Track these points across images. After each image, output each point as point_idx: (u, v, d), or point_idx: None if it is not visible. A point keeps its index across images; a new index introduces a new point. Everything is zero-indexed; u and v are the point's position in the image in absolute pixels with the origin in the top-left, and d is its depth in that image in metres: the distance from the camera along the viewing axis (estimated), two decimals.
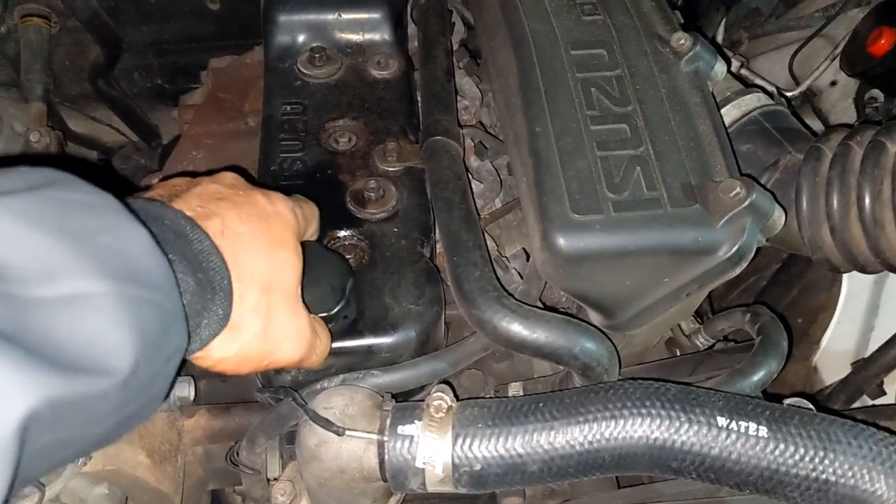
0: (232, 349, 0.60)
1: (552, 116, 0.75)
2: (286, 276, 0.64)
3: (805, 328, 1.33)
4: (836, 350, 1.27)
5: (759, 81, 1.41)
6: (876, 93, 1.31)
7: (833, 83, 1.41)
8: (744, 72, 1.41)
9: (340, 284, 0.73)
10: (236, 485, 0.93)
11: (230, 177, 0.67)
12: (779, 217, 0.70)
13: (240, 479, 0.89)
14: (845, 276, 1.28)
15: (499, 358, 0.91)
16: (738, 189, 0.67)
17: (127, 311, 0.46)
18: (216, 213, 0.60)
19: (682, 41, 0.79)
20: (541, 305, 0.85)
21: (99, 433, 0.49)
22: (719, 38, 1.38)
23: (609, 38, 0.81)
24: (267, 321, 0.62)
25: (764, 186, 0.71)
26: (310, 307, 0.67)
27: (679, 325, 0.97)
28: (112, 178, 1.44)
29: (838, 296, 1.28)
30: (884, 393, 1.13)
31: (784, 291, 1.26)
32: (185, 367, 0.89)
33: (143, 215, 0.52)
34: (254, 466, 0.81)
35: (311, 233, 0.74)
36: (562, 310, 0.87)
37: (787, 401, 0.66)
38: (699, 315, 1.01)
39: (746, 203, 0.67)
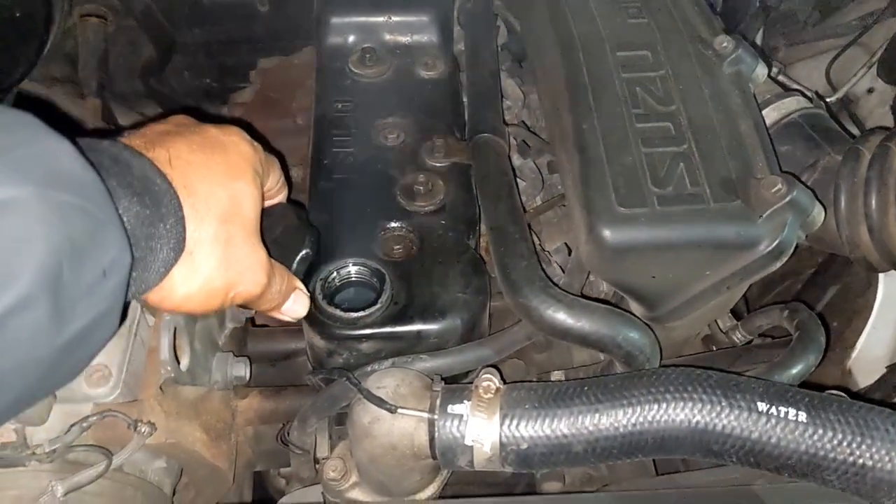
0: (196, 283, 0.58)
1: (598, 114, 0.78)
2: (245, 205, 0.61)
3: (840, 331, 1.34)
4: (871, 354, 1.27)
5: (795, 87, 1.43)
6: None
7: (870, 90, 1.42)
8: (781, 78, 1.43)
9: (297, 247, 0.74)
10: (282, 467, 0.97)
11: (180, 117, 0.65)
12: (818, 214, 0.72)
13: (285, 461, 0.93)
14: (881, 281, 1.28)
15: (539, 348, 0.94)
16: (779, 185, 0.69)
17: (45, 211, 0.43)
18: (162, 145, 0.57)
19: (725, 44, 0.82)
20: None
21: (42, 359, 0.45)
22: (759, 44, 1.39)
23: (653, 39, 0.84)
24: (227, 251, 0.59)
25: (804, 185, 0.73)
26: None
27: (716, 322, 0.99)
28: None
29: (874, 300, 1.28)
30: None
31: (819, 294, 1.27)
32: (248, 345, 0.93)
33: (79, 145, 0.49)
34: (304, 447, 0.85)
35: (273, 184, 0.72)
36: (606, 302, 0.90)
37: (826, 392, 0.68)
38: (735, 315, 1.03)
39: (787, 199, 0.69)
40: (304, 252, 0.76)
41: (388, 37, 1.09)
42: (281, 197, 0.76)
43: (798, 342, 0.80)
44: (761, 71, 0.83)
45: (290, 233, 0.75)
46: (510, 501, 0.77)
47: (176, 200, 0.55)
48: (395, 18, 1.09)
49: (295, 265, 0.75)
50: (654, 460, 0.83)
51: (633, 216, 0.71)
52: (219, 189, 0.59)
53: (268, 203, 0.73)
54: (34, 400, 0.51)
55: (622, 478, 0.82)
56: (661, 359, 0.76)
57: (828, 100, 1.40)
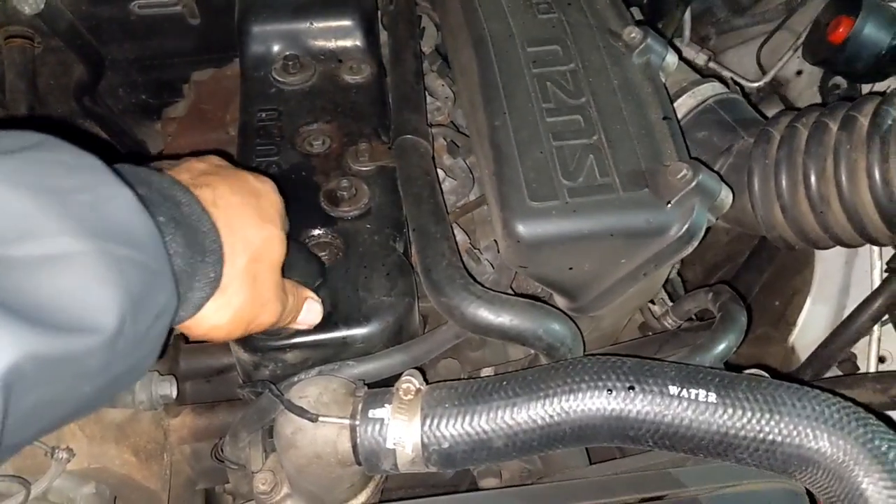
0: (225, 315, 0.61)
1: (510, 111, 0.78)
2: (273, 247, 0.65)
3: (782, 310, 1.37)
4: (812, 330, 1.30)
5: (726, 74, 1.45)
6: (839, 79, 1.35)
7: (799, 72, 1.45)
8: (712, 65, 1.46)
9: (312, 282, 0.77)
10: (226, 483, 0.96)
11: (216, 158, 0.69)
12: (726, 196, 0.73)
13: (227, 478, 0.92)
14: (817, 259, 1.32)
15: (474, 346, 0.94)
16: (684, 171, 0.70)
17: (110, 269, 0.45)
18: (208, 184, 0.61)
19: (633, 35, 0.83)
20: (511, 293, 0.89)
21: (88, 392, 0.48)
22: (686, 33, 1.42)
23: (563, 34, 0.85)
24: (254, 287, 0.63)
25: (711, 169, 0.74)
26: None
27: (650, 309, 1.00)
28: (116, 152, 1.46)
29: (811, 278, 1.32)
30: (857, 368, 1.17)
31: (757, 275, 1.30)
32: (181, 364, 0.93)
33: (131, 179, 0.51)
34: (238, 461, 0.84)
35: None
36: (537, 298, 0.90)
37: (745, 371, 0.69)
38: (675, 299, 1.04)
39: (693, 184, 0.70)
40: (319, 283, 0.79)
41: (312, 43, 1.09)
42: None
43: (720, 324, 0.81)
44: (671, 59, 0.85)
45: (304, 256, 0.79)
46: (446, 500, 0.77)
47: (218, 240, 0.58)
48: (317, 24, 1.08)
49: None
50: (586, 449, 0.83)
51: (545, 209, 0.72)
52: (253, 231, 0.63)
53: None
54: (60, 427, 0.53)
55: (557, 469, 0.83)
56: (584, 348, 0.77)
57: (758, 83, 1.43)
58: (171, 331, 0.55)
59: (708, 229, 0.75)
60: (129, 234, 0.48)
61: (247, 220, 0.63)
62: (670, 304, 0.98)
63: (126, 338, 0.47)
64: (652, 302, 1.04)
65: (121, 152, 1.40)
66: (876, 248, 1.12)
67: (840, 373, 1.14)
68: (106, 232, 0.46)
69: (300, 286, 0.74)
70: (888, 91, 0.81)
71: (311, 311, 0.75)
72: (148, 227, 0.50)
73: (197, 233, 0.56)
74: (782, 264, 1.31)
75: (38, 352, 0.40)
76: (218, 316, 0.61)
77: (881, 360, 1.17)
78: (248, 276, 0.62)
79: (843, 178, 0.76)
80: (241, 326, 0.64)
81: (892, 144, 0.74)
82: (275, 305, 0.67)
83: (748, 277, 1.29)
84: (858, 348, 1.18)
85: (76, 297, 0.43)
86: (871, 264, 1.15)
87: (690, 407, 0.62)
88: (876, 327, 1.11)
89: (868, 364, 1.15)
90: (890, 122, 0.75)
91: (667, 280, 1.12)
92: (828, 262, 1.29)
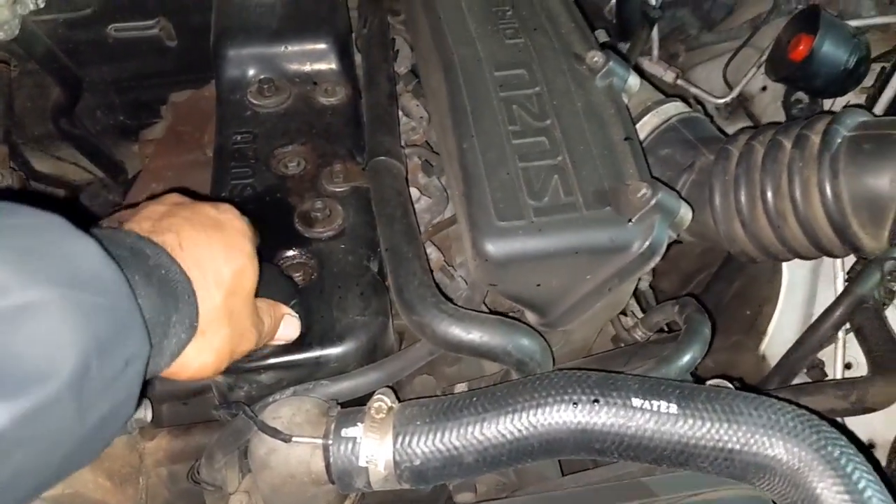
0: (209, 356, 0.63)
1: (478, 134, 0.81)
2: (246, 278, 0.66)
3: (752, 319, 1.40)
4: (782, 338, 1.33)
5: (693, 90, 1.50)
6: (801, 95, 1.39)
7: (763, 88, 1.50)
8: (680, 82, 1.50)
9: (286, 303, 0.78)
10: None
11: (174, 196, 0.70)
12: (685, 213, 0.76)
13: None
14: (784, 268, 1.35)
15: (449, 363, 0.96)
16: (644, 190, 0.73)
17: (74, 314, 0.46)
18: (170, 229, 0.62)
19: (596, 58, 0.86)
20: (485, 310, 0.91)
21: (64, 450, 0.48)
22: (655, 52, 1.46)
23: (529, 58, 0.87)
24: (231, 323, 0.64)
25: (671, 187, 0.77)
26: None
27: (620, 322, 1.02)
28: (80, 214, 1.48)
29: (779, 287, 1.35)
30: (825, 375, 1.20)
31: (727, 285, 1.33)
32: (156, 386, 0.94)
33: (97, 236, 0.53)
34: (214, 483, 0.85)
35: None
36: (511, 315, 0.93)
37: (709, 382, 0.72)
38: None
39: (653, 202, 0.73)
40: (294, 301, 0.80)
41: (287, 66, 1.11)
42: None
43: (684, 335, 0.84)
44: (633, 81, 0.87)
45: (276, 277, 0.81)
46: None
47: (189, 286, 0.59)
48: (292, 48, 1.10)
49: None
50: (559, 461, 0.85)
51: (512, 229, 0.74)
52: (223, 266, 0.64)
53: None
54: (54, 484, 0.53)
55: (530, 481, 0.84)
56: (553, 363, 0.79)
57: (724, 99, 1.47)
58: (147, 381, 0.56)
59: (671, 245, 0.77)
60: (95, 282, 0.49)
61: (215, 255, 0.64)
62: (636, 315, 1.01)
63: (93, 381, 0.47)
64: (624, 314, 1.06)
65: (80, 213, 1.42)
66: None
67: (809, 380, 1.17)
68: (72, 281, 0.47)
69: (275, 304, 0.75)
70: (841, 109, 0.85)
71: (288, 325, 0.76)
72: (114, 274, 0.51)
73: (168, 282, 0.57)
74: (752, 274, 1.34)
75: (13, 414, 0.41)
76: (202, 358, 0.62)
77: (847, 366, 1.20)
78: (225, 312, 0.63)
79: (797, 194, 0.79)
80: (225, 361, 0.65)
81: (841, 161, 0.77)
82: (254, 334, 0.69)
83: (718, 287, 1.32)
84: (826, 355, 1.21)
85: (40, 345, 0.44)
86: (834, 273, 1.18)
87: (653, 418, 0.64)
88: (841, 334, 1.14)
89: (835, 371, 1.18)
90: (839, 140, 0.78)
91: (640, 292, 1.15)
92: (794, 271, 1.32)
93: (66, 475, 0.53)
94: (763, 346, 1.38)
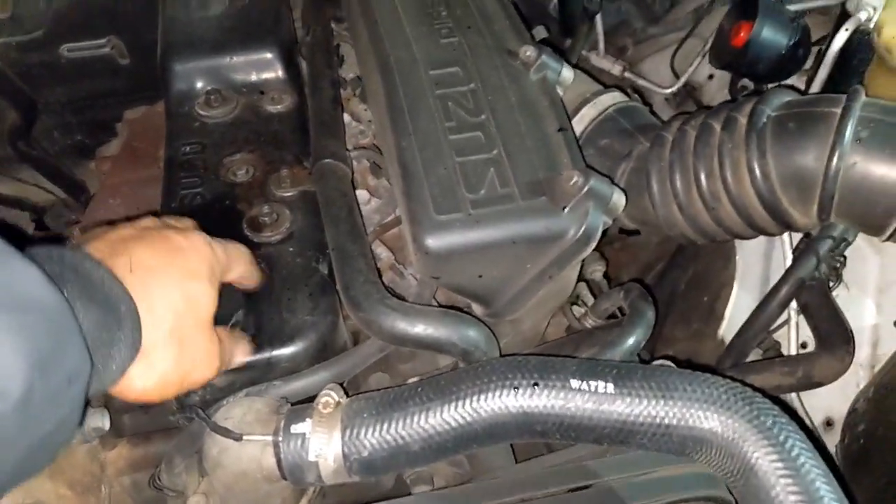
0: (151, 379, 0.64)
1: (415, 132, 0.82)
2: (200, 303, 0.68)
3: (710, 304, 1.43)
4: (739, 322, 1.35)
5: (641, 82, 1.53)
6: (746, 82, 1.42)
7: (710, 77, 1.53)
8: (628, 74, 1.53)
9: (234, 310, 0.81)
10: None
11: (147, 220, 0.73)
12: (618, 199, 0.78)
13: None
14: (738, 253, 1.38)
15: (403, 359, 0.97)
16: (576, 178, 0.75)
17: (14, 334, 0.48)
18: (124, 252, 0.63)
19: (529, 53, 0.88)
20: (435, 304, 0.92)
21: (8, 463, 0.50)
22: (601, 46, 1.49)
23: (463, 56, 0.89)
24: (181, 349, 0.66)
25: (602, 174, 0.79)
26: None
27: (572, 311, 1.04)
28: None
29: (734, 271, 1.38)
30: (781, 355, 1.22)
31: (682, 273, 1.35)
32: (108, 401, 0.94)
33: (41, 257, 0.55)
34: (175, 488, 0.85)
35: (240, 273, 0.79)
36: (464, 309, 0.94)
37: (654, 363, 0.74)
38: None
39: (585, 189, 0.75)
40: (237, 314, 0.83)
41: (234, 76, 1.12)
42: (253, 282, 0.83)
43: (628, 319, 0.86)
44: (567, 74, 0.90)
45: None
46: None
47: (132, 306, 0.60)
48: (237, 58, 1.12)
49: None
50: (512, 446, 0.87)
51: (450, 222, 0.76)
52: (175, 291, 0.65)
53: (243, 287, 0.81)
54: (7, 489, 0.54)
55: (484, 470, 0.86)
56: (500, 351, 0.81)
57: (671, 89, 1.50)
58: (88, 402, 0.57)
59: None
60: (35, 303, 0.51)
61: (168, 281, 0.65)
62: (585, 304, 1.03)
63: (37, 398, 0.49)
64: (577, 304, 1.08)
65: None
66: (787, 238, 1.18)
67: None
68: (12, 304, 0.49)
69: (231, 331, 0.78)
70: (767, 90, 0.87)
71: (241, 352, 0.79)
72: (53, 295, 0.52)
73: (109, 302, 0.58)
74: (706, 260, 1.37)
75: None
76: (144, 380, 0.64)
77: (803, 346, 1.23)
78: (173, 338, 0.65)
79: (728, 176, 0.82)
80: (171, 388, 0.67)
81: (767, 141, 0.80)
82: (209, 364, 0.71)
83: (674, 275, 1.35)
84: (783, 337, 1.24)
85: None
86: (784, 254, 1.21)
87: (591, 399, 0.66)
88: (794, 315, 1.17)
89: (789, 351, 1.21)
90: (765, 119, 0.81)
91: (594, 283, 1.16)
92: (748, 254, 1.35)
93: (18, 482, 0.55)
94: (721, 331, 1.40)
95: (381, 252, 0.98)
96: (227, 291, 0.82)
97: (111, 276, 0.60)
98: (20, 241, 0.54)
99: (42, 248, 0.58)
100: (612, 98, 0.98)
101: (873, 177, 0.76)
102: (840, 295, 1.13)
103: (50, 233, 1.66)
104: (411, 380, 0.90)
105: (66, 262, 0.58)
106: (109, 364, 0.59)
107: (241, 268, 0.79)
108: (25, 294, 0.51)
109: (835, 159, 0.76)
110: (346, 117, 1.11)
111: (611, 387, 0.66)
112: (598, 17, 1.43)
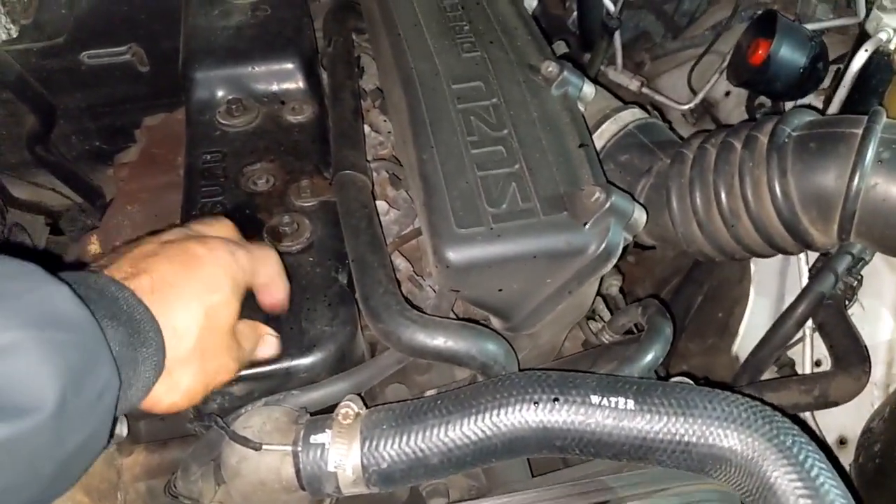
0: (178, 395, 0.67)
1: (437, 145, 0.83)
2: (221, 315, 0.69)
3: (725, 320, 1.42)
4: (753, 338, 1.35)
5: (658, 98, 1.53)
6: (763, 99, 1.43)
7: (727, 93, 1.53)
8: (645, 90, 1.53)
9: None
10: None
11: (172, 232, 0.73)
12: (639, 215, 0.78)
13: None
14: (752, 270, 1.38)
15: (420, 370, 0.98)
16: (598, 194, 0.75)
17: (49, 352, 0.51)
18: (146, 271, 0.65)
19: (551, 69, 0.88)
20: (453, 317, 0.92)
21: (44, 475, 0.52)
22: (619, 62, 1.49)
23: (486, 71, 0.90)
24: (203, 363, 0.68)
25: (624, 191, 0.79)
26: None
27: (589, 326, 1.04)
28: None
29: (749, 287, 1.37)
30: (796, 373, 1.22)
31: (697, 288, 1.35)
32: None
33: (70, 280, 0.57)
34: (191, 496, 0.86)
35: (267, 276, 0.79)
36: (482, 322, 0.94)
37: (673, 380, 0.74)
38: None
39: (607, 206, 0.75)
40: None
41: (255, 86, 1.13)
42: (279, 288, 0.82)
43: (646, 335, 0.86)
44: (588, 90, 0.90)
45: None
46: None
47: (155, 326, 0.62)
48: (259, 68, 1.13)
49: None
50: (528, 460, 0.87)
51: (471, 235, 0.76)
52: (196, 306, 0.67)
53: (265, 296, 0.80)
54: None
55: (500, 484, 0.86)
56: (518, 365, 0.81)
57: (689, 105, 1.50)
58: (116, 418, 0.59)
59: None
60: (67, 322, 0.53)
61: (189, 296, 0.66)
62: (602, 318, 1.03)
63: (70, 411, 0.51)
64: (594, 319, 1.08)
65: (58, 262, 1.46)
66: (803, 256, 1.18)
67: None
68: (46, 322, 0.51)
69: (255, 324, 0.78)
70: (788, 109, 0.88)
71: (267, 345, 0.79)
72: (83, 314, 0.55)
73: (134, 322, 0.61)
74: (722, 276, 1.37)
75: None
76: (170, 396, 0.66)
77: (817, 364, 1.22)
78: (196, 353, 0.66)
79: (749, 194, 0.82)
80: (197, 396, 0.69)
81: (788, 160, 0.80)
82: (229, 369, 0.72)
83: (689, 290, 1.35)
84: (797, 354, 1.23)
85: (19, 381, 0.49)
86: (800, 272, 1.21)
87: (611, 414, 0.66)
88: (809, 332, 1.17)
89: (804, 369, 1.20)
90: (785, 139, 0.81)
91: (610, 297, 1.17)
92: (763, 270, 1.35)
93: (52, 497, 0.57)
94: (735, 348, 1.40)
95: (400, 263, 0.99)
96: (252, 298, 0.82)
97: (135, 297, 0.62)
98: (51, 265, 0.57)
99: (70, 273, 0.60)
100: (633, 114, 0.98)
101: (894, 198, 0.77)
102: (855, 313, 1.13)
103: (64, 237, 1.68)
104: (429, 392, 0.90)
105: (92, 285, 0.60)
106: (135, 381, 0.61)
107: (267, 271, 0.79)
108: (58, 313, 0.53)
109: (856, 180, 0.76)
110: (366, 128, 1.12)
111: (631, 403, 0.67)
112: (617, 33, 1.44)
